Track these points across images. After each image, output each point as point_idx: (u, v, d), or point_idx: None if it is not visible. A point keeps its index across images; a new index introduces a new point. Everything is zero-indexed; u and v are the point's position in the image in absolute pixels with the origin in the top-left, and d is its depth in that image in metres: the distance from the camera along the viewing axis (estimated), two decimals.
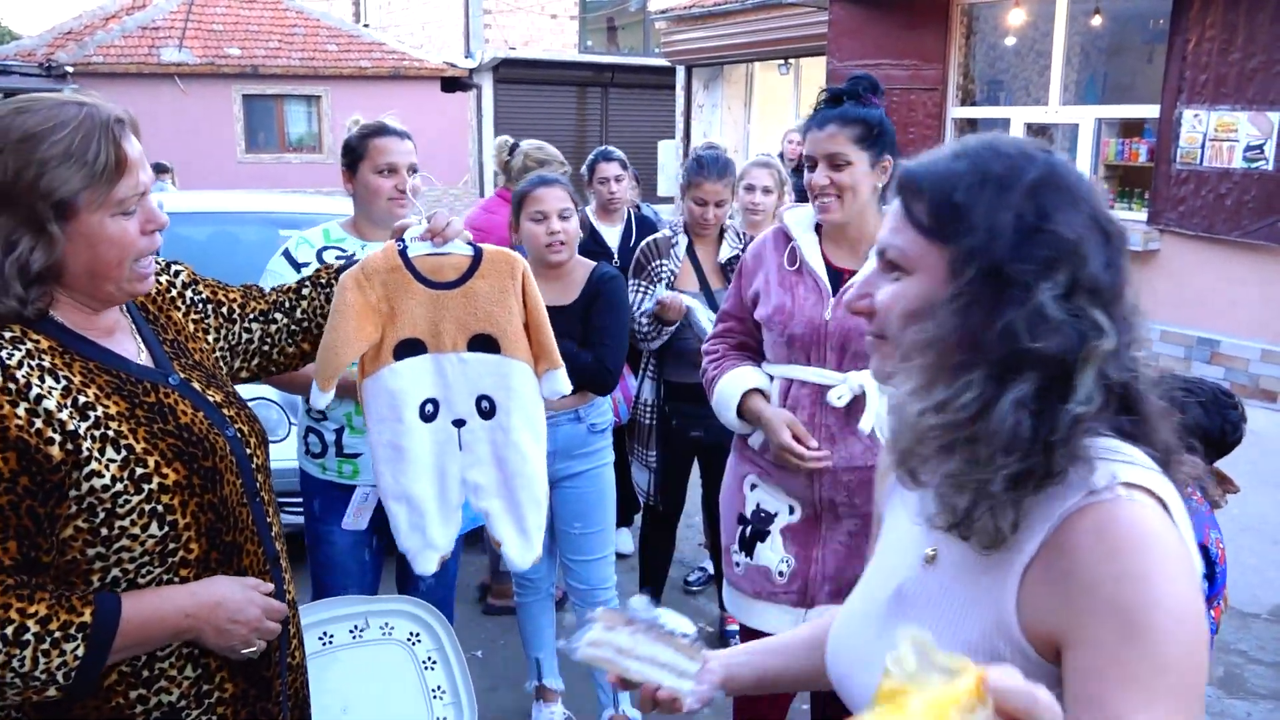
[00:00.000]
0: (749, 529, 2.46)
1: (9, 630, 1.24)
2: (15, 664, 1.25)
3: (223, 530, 1.47)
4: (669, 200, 12.61)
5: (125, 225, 1.38)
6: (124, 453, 1.36)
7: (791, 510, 2.39)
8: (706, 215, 3.65)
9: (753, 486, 2.47)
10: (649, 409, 3.70)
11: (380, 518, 2.65)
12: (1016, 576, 0.99)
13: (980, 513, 0.98)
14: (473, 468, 1.89)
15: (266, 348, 1.78)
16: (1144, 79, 8.00)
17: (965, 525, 1.00)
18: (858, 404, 2.28)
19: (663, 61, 15.85)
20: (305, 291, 1.84)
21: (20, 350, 1.32)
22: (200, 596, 1.40)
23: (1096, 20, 8.24)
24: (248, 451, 1.56)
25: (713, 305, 3.56)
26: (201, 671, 1.46)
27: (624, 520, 4.62)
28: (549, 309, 2.89)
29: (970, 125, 9.18)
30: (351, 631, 2.11)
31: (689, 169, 3.72)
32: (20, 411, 1.28)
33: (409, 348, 1.81)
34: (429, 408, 1.83)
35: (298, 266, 2.74)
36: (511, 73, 19.77)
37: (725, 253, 3.68)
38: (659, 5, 14.79)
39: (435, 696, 2.13)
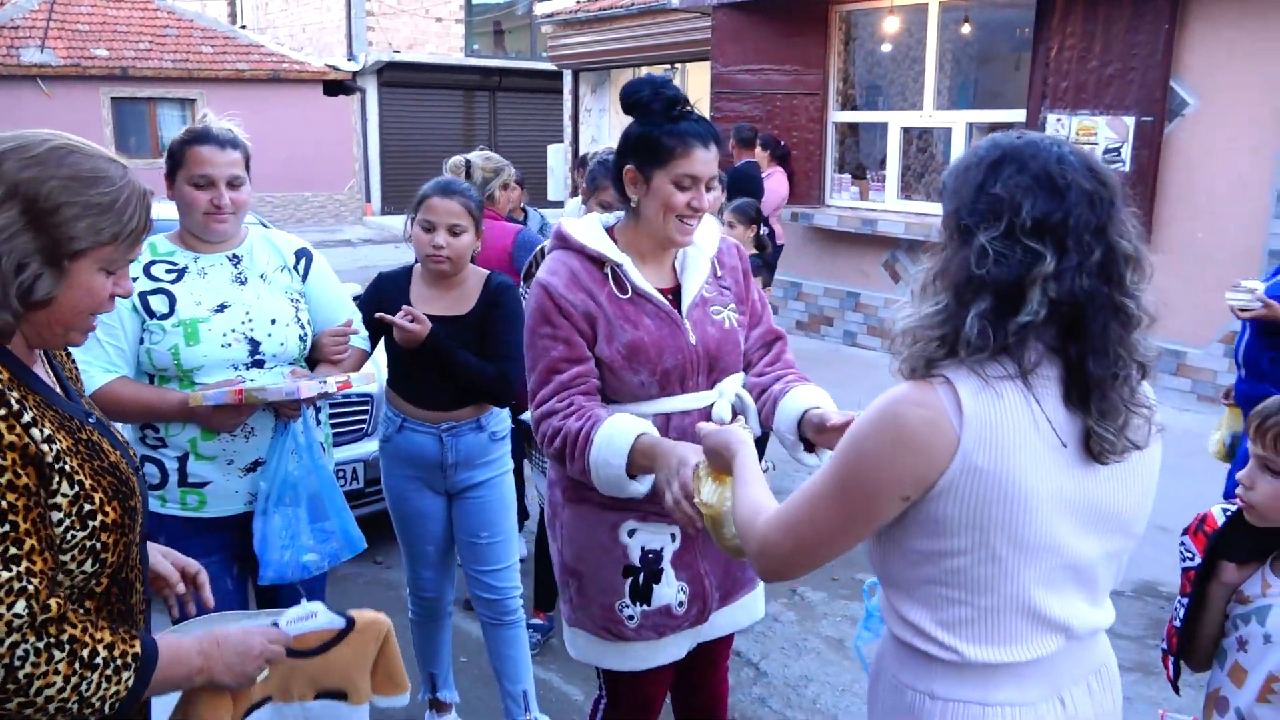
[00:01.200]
0: (640, 576, 2.19)
1: (85, 653, 1.30)
2: (83, 687, 1.29)
3: (124, 567, 1.48)
4: (559, 204, 12.59)
5: (104, 283, 1.42)
6: (75, 488, 1.36)
7: (674, 538, 2.20)
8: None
9: (632, 532, 2.20)
10: None
11: (239, 543, 2.51)
12: None
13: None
14: None
15: None
16: (1011, 85, 8.36)
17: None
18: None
19: (550, 66, 15.84)
20: None
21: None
22: (204, 640, 1.48)
23: (966, 28, 8.57)
24: (146, 491, 1.57)
25: None
26: None
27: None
28: (443, 319, 2.84)
29: (850, 129, 9.45)
30: None
31: (594, 173, 3.65)
32: (29, 433, 1.30)
33: (257, 705, 1.79)
34: None
35: None
36: (396, 76, 19.48)
37: None
38: (545, 9, 14.78)
39: None
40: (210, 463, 2.46)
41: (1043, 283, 1.30)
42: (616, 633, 2.22)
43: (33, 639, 1.26)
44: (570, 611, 2.31)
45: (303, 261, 2.66)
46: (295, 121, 18.01)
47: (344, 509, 2.59)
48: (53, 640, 1.28)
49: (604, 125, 14.57)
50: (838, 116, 9.30)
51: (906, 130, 8.88)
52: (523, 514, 4.41)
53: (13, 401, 1.30)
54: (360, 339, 2.77)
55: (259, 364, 2.48)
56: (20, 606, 1.25)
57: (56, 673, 1.27)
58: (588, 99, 14.72)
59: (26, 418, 1.31)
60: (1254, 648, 1.74)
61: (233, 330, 2.44)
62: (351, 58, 19.56)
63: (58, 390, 1.48)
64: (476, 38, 21.33)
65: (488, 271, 3.02)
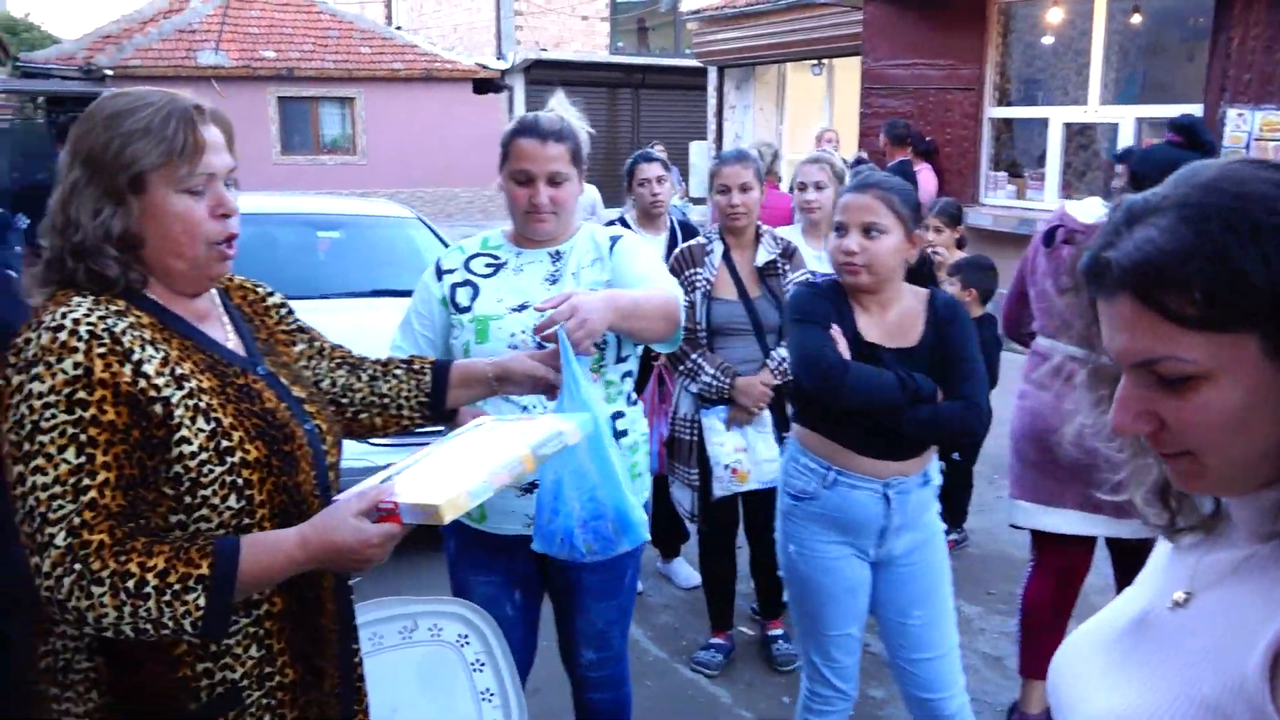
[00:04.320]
0: None
1: (130, 584, 1.29)
2: (142, 613, 1.30)
3: (294, 515, 1.50)
4: (701, 201, 12.59)
5: (191, 205, 1.45)
6: (212, 424, 1.41)
7: None
8: (734, 202, 3.42)
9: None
10: (688, 424, 3.51)
11: (523, 568, 2.40)
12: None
13: None
14: None
15: (344, 401, 1.82)
16: (1184, 78, 7.90)
17: None
18: None
19: (694, 62, 15.84)
20: (397, 372, 1.86)
21: (125, 321, 1.40)
22: (311, 548, 1.39)
23: (1136, 19, 8.14)
24: (324, 448, 1.60)
25: (751, 313, 3.41)
26: (265, 653, 1.49)
27: (672, 551, 4.38)
28: (890, 351, 2.36)
29: (1006, 125, 9.11)
30: (400, 632, 2.11)
31: (710, 167, 3.63)
32: (127, 371, 1.35)
33: None
34: None
35: (440, 274, 2.42)
36: (543, 74, 19.83)
37: (762, 256, 3.45)
38: (690, 6, 14.79)
39: (485, 699, 2.13)
40: None
41: None
42: None
43: (73, 574, 1.29)
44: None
45: (612, 246, 2.40)
46: (446, 119, 18.57)
47: (622, 496, 2.05)
48: (91, 576, 1.29)
49: (748, 122, 14.49)
50: (994, 112, 8.99)
51: (1068, 126, 8.50)
52: (681, 535, 4.28)
53: (125, 341, 1.37)
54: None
55: None
56: (61, 538, 1.29)
57: (103, 604, 1.29)
58: (732, 95, 14.67)
59: (138, 357, 1.37)
60: None
61: (523, 330, 2.26)
62: (500, 56, 20.03)
63: (224, 338, 1.55)
64: (621, 35, 21.52)
65: (926, 290, 2.53)
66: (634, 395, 2.52)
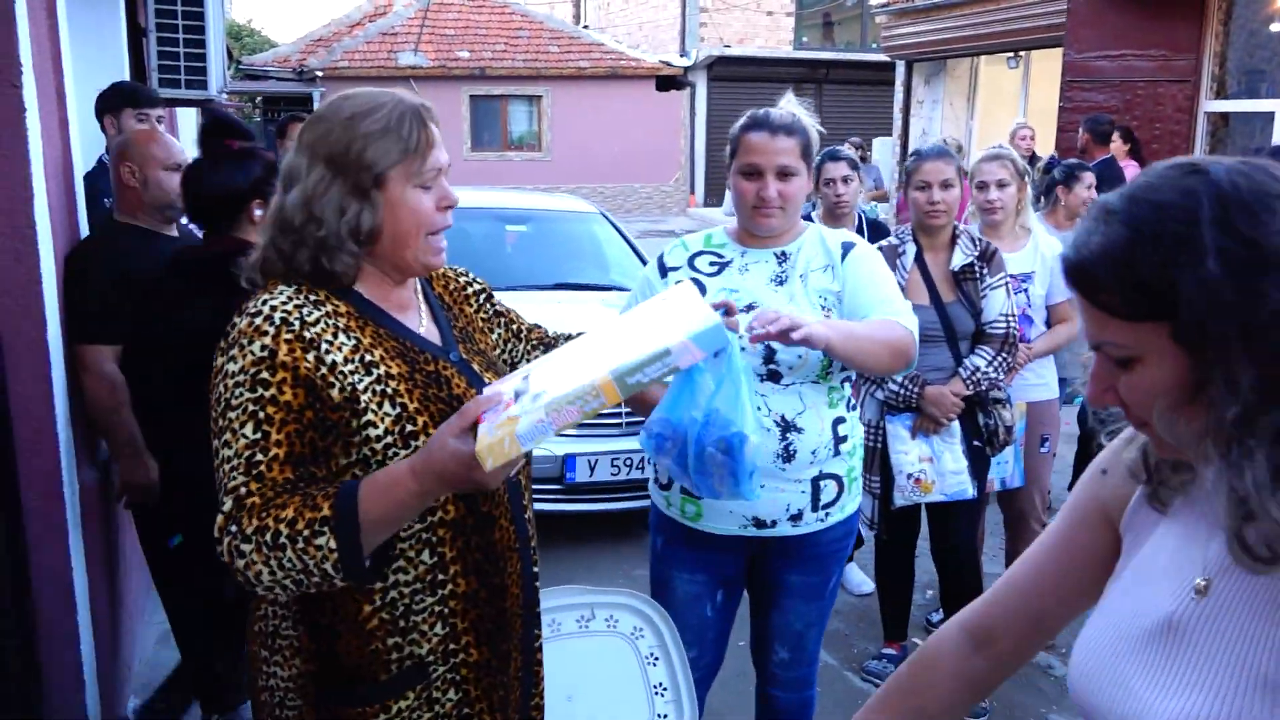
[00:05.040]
0: None
1: (268, 537, 1.34)
2: (286, 564, 1.34)
3: (480, 500, 1.56)
4: (885, 199, 12.28)
5: (423, 198, 1.53)
6: (398, 409, 1.47)
7: None
8: (933, 199, 3.26)
9: None
10: (873, 429, 3.39)
11: (730, 569, 2.42)
12: None
13: None
14: None
15: None
16: None
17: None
18: None
19: (880, 56, 15.47)
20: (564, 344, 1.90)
21: (320, 311, 1.48)
22: (425, 481, 1.35)
23: None
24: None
25: (943, 319, 3.27)
26: (449, 631, 1.55)
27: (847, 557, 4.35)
28: None
29: (1223, 120, 8.45)
30: (578, 621, 2.15)
31: (907, 163, 3.46)
32: (309, 358, 1.42)
33: None
34: None
35: (665, 271, 2.40)
36: (725, 70, 19.83)
37: (958, 259, 3.29)
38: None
39: (657, 693, 2.14)
40: None
41: None
42: None
43: (229, 537, 1.35)
44: None
45: (845, 254, 2.36)
46: (629, 116, 18.85)
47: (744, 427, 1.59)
48: (242, 536, 1.34)
49: (936, 117, 14.02)
50: (1211, 105, 8.36)
51: None
52: (857, 540, 4.21)
53: (316, 328, 1.44)
54: None
55: (775, 378, 2.26)
56: (229, 505, 1.36)
57: (254, 561, 1.34)
58: (920, 90, 14.23)
59: (326, 346, 1.44)
60: None
61: (749, 332, 2.16)
62: (684, 53, 20.14)
63: (418, 326, 1.61)
64: (805, 30, 21.25)
65: None
66: (853, 400, 2.46)
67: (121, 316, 2.73)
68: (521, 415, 1.26)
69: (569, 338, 1.90)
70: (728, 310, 1.70)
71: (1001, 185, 3.67)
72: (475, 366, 1.65)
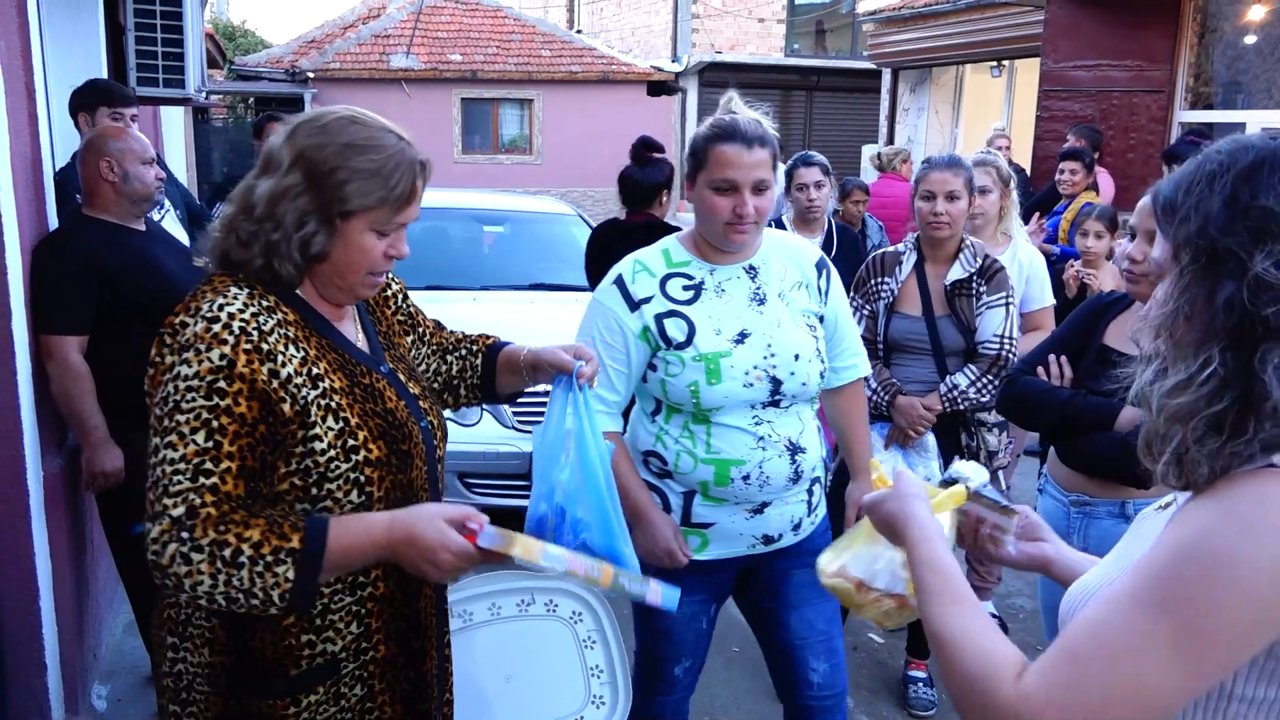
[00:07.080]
0: None
1: (227, 553, 1.35)
2: (235, 582, 1.35)
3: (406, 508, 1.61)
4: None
5: (377, 244, 1.55)
6: (341, 424, 1.50)
7: None
8: (936, 210, 3.16)
9: None
10: None
11: (729, 586, 2.42)
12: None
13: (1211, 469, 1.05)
14: None
15: (434, 384, 1.92)
16: None
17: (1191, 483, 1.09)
18: None
19: (868, 64, 15.57)
20: (461, 351, 1.94)
21: (273, 319, 1.50)
22: (395, 534, 1.44)
23: None
24: (434, 443, 1.71)
25: (931, 331, 3.19)
26: (362, 630, 1.60)
27: None
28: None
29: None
30: (518, 605, 2.23)
31: (918, 171, 3.39)
32: (265, 370, 1.43)
33: None
34: None
35: (635, 304, 2.22)
36: (716, 76, 19.92)
37: (954, 274, 3.19)
38: (867, 7, 14.54)
39: (594, 675, 2.22)
40: (719, 506, 2.25)
41: None
42: None
43: (176, 542, 1.35)
44: None
45: (823, 276, 2.33)
46: (620, 121, 18.90)
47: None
48: (193, 544, 1.35)
49: (921, 125, 14.12)
50: (1185, 116, 8.47)
51: (1267, 131, 7.92)
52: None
53: (270, 341, 1.45)
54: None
55: (776, 404, 2.21)
56: (175, 510, 1.36)
57: (200, 571, 1.34)
58: (905, 98, 14.33)
59: (280, 359, 1.45)
60: None
61: (755, 367, 2.17)
62: (675, 59, 20.24)
63: (355, 339, 1.65)
64: (797, 37, 21.36)
65: None
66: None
67: (86, 307, 2.80)
68: (548, 547, 1.50)
69: (471, 340, 1.94)
70: (580, 355, 1.74)
71: (984, 192, 3.66)
72: (401, 376, 1.70)
